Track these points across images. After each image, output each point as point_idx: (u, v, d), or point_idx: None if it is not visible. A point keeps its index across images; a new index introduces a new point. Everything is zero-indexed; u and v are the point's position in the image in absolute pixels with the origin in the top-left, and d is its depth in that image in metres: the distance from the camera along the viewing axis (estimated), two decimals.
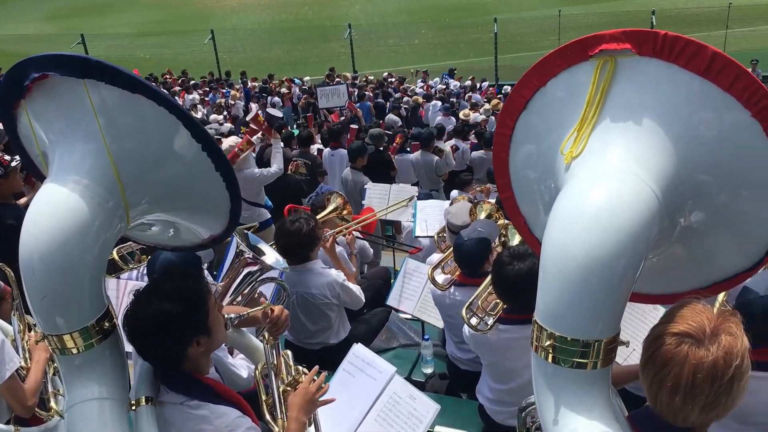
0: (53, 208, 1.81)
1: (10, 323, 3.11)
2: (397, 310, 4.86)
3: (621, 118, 1.60)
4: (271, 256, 3.03)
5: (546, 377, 1.63)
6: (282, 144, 7.19)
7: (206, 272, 3.96)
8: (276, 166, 7.07)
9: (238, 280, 2.97)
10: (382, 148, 9.11)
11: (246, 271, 2.95)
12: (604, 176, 1.55)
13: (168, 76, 23.26)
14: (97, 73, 1.77)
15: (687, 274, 1.92)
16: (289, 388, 2.41)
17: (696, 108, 1.55)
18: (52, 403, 3.01)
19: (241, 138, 7.03)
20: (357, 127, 10.98)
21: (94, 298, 1.90)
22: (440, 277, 4.16)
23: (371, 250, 6.00)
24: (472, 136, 11.81)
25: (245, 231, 3.15)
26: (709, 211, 1.69)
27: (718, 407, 1.56)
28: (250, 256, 2.91)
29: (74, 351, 1.87)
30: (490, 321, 3.32)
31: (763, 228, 1.69)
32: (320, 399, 2.42)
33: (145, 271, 4.13)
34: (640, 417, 1.73)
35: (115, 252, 3.97)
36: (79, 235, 1.80)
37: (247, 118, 6.96)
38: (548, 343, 1.56)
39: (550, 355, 1.57)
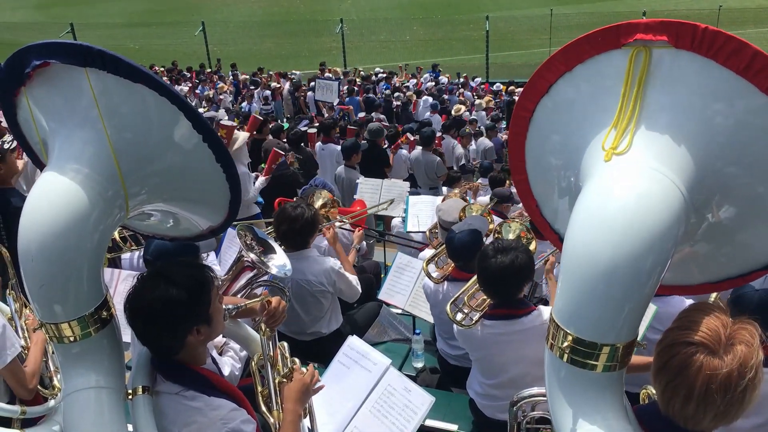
0: (53, 197, 1.80)
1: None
2: (388, 305, 4.87)
3: (651, 114, 1.55)
4: (279, 258, 3.00)
5: (560, 377, 1.61)
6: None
7: (212, 258, 3.95)
8: (254, 191, 6.85)
9: (239, 284, 2.95)
10: (383, 144, 9.13)
11: (247, 276, 2.93)
12: (631, 174, 1.51)
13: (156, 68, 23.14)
14: (98, 62, 1.76)
15: (715, 266, 1.89)
16: (284, 380, 2.41)
17: (729, 106, 1.50)
18: (55, 381, 2.99)
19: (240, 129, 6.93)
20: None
21: (93, 287, 1.90)
22: (434, 273, 4.17)
23: (364, 243, 6.01)
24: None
25: (251, 226, 3.12)
26: (736, 205, 1.66)
27: (729, 415, 1.57)
28: (250, 261, 2.89)
29: (71, 339, 1.87)
30: (476, 316, 3.35)
31: None
32: (314, 388, 2.44)
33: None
34: (650, 415, 1.72)
35: (116, 233, 3.95)
36: (79, 224, 1.80)
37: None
38: (565, 344, 1.53)
39: (566, 356, 1.55)
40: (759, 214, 1.66)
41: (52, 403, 2.92)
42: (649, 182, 1.48)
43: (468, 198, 6.71)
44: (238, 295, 2.93)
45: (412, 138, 10.16)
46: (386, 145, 9.64)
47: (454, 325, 3.46)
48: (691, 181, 1.51)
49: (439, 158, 9.20)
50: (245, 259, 2.95)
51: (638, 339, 3.21)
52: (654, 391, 2.24)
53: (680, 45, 1.47)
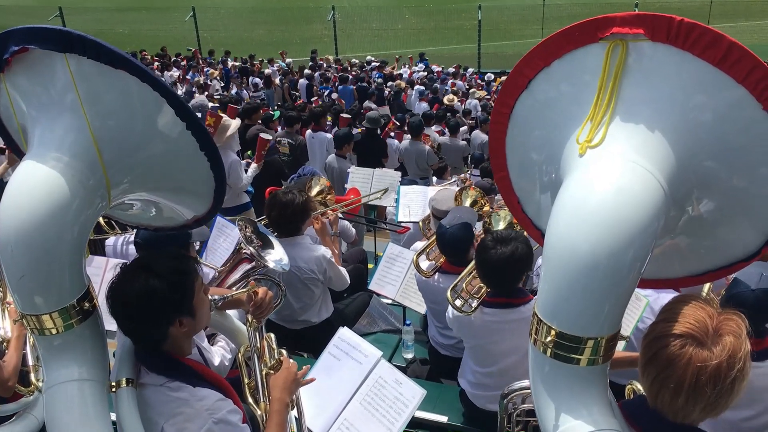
0: (32, 185, 1.75)
1: None
2: (378, 295, 4.85)
3: (629, 107, 1.55)
4: (276, 253, 2.99)
5: (543, 372, 1.60)
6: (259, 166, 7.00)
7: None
8: (246, 179, 6.77)
9: (235, 276, 2.93)
10: (378, 132, 9.10)
11: (244, 268, 2.91)
12: (610, 167, 1.50)
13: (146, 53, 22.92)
14: (78, 48, 1.71)
15: (696, 259, 1.88)
16: (272, 371, 2.39)
17: (707, 98, 1.50)
18: (32, 378, 2.93)
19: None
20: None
21: (74, 278, 1.86)
22: (424, 264, 4.16)
23: (353, 230, 5.98)
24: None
25: (253, 220, 3.10)
26: (716, 198, 1.65)
27: (718, 407, 1.55)
28: (248, 253, 2.87)
29: (53, 331, 1.83)
30: (474, 303, 3.34)
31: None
32: (302, 379, 2.43)
33: (129, 239, 4.15)
34: (636, 409, 1.71)
35: (100, 218, 3.91)
36: (59, 214, 1.75)
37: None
38: (548, 339, 1.53)
39: (549, 350, 1.54)
40: (739, 207, 1.66)
41: (24, 400, 2.87)
42: (629, 175, 1.48)
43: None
44: (234, 287, 2.91)
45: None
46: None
47: (449, 313, 3.45)
48: (671, 173, 1.51)
49: (429, 148, 9.15)
50: (243, 251, 2.93)
51: (629, 333, 3.23)
52: (640, 387, 2.24)
53: (656, 38, 1.48)
